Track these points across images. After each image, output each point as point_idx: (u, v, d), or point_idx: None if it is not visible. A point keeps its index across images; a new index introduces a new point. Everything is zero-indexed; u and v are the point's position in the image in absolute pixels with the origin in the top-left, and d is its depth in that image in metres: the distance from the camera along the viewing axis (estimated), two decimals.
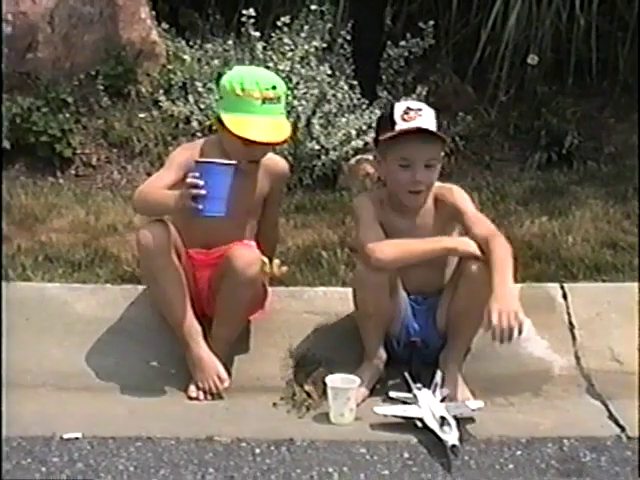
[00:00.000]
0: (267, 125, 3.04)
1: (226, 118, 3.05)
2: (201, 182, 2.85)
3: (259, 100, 3.02)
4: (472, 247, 2.95)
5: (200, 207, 2.87)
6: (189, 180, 2.87)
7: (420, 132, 2.95)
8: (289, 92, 4.29)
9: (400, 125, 2.97)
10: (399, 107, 3.02)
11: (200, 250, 3.16)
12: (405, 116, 2.97)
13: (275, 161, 3.27)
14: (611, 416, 2.95)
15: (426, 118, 2.99)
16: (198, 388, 3.04)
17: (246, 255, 3.05)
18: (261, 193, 3.22)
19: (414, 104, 3.07)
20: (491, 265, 2.87)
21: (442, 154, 3.08)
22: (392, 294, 3.05)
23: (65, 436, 2.76)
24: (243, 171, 3.05)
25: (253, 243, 3.19)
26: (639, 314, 3.28)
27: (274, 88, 3.05)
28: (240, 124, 3.02)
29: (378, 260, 2.94)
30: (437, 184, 3.10)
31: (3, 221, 3.85)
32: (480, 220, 3.01)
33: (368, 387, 3.03)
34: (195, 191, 2.85)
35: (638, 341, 3.21)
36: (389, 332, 3.11)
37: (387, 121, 3.02)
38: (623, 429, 2.87)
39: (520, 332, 2.75)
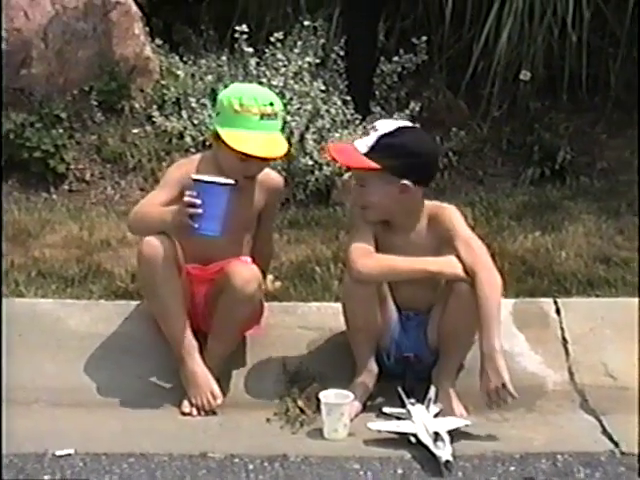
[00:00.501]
0: (265, 140, 3.06)
1: (224, 133, 3.06)
2: (198, 201, 2.88)
3: (257, 116, 3.04)
4: (458, 269, 2.96)
5: (196, 226, 2.88)
6: (186, 199, 2.89)
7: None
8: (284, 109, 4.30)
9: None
10: (374, 122, 3.13)
11: (197, 265, 3.16)
12: (364, 132, 3.07)
13: (270, 176, 3.28)
14: (605, 431, 2.94)
15: (368, 138, 3.03)
16: (191, 404, 3.03)
17: (245, 272, 3.05)
18: (256, 208, 3.23)
19: (381, 124, 3.08)
20: (477, 309, 2.89)
21: (403, 180, 3.00)
22: (381, 307, 3.06)
23: (57, 453, 2.75)
24: (239, 187, 3.06)
25: (249, 259, 3.19)
26: (639, 329, 3.28)
27: (272, 104, 3.08)
28: (238, 139, 3.03)
29: (359, 273, 2.96)
30: (432, 203, 3.11)
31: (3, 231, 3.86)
32: (470, 246, 2.99)
33: (361, 401, 3.03)
34: (192, 210, 2.88)
35: (638, 356, 3.20)
36: (379, 346, 3.11)
37: None
38: (617, 444, 2.86)
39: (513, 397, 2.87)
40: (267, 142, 3.06)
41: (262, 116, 3.05)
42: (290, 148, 4.37)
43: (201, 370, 3.04)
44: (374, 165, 2.99)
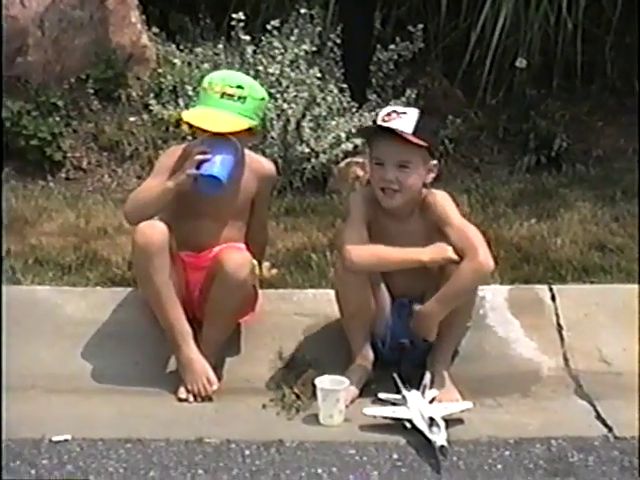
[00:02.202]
0: (212, 116, 3.06)
1: (185, 113, 3.25)
2: (208, 149, 3.01)
3: (218, 94, 3.08)
4: (448, 252, 2.97)
5: (203, 171, 2.99)
6: (197, 149, 3.02)
7: (389, 132, 2.97)
8: (272, 99, 4.30)
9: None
10: (386, 109, 3.07)
11: (190, 253, 3.17)
12: (386, 117, 3.01)
13: (261, 163, 3.30)
14: (599, 416, 2.96)
15: (405, 121, 2.99)
16: (187, 390, 3.04)
17: (237, 258, 3.06)
18: (248, 195, 3.24)
19: (402, 108, 3.10)
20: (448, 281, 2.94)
21: (433, 161, 3.06)
22: (374, 293, 3.07)
23: (54, 438, 2.76)
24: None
25: (243, 245, 3.20)
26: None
27: (239, 87, 3.09)
28: (190, 113, 3.18)
29: (352, 262, 2.97)
30: (426, 189, 3.11)
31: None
32: (462, 231, 3.00)
33: (357, 387, 3.04)
34: (201, 156, 2.98)
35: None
36: (374, 333, 3.12)
37: (373, 123, 3.08)
38: (610, 429, 2.88)
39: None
40: (213, 117, 3.06)
41: (222, 95, 3.07)
42: (287, 136, 4.41)
43: (197, 357, 3.06)
44: (424, 144, 2.99)
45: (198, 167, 3.01)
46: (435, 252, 2.99)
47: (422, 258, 2.99)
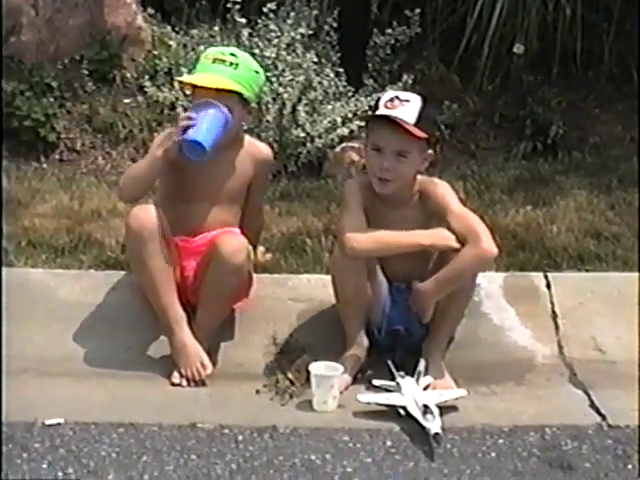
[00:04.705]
0: (207, 77, 3.09)
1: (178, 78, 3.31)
2: (194, 114, 3.01)
3: (210, 60, 3.12)
4: (450, 240, 2.95)
5: (188, 136, 2.99)
6: (183, 114, 3.08)
7: (390, 120, 2.94)
8: (268, 83, 4.28)
9: (380, 111, 2.99)
10: (388, 94, 3.04)
11: (185, 238, 3.15)
12: (388, 104, 2.98)
13: (258, 148, 3.29)
14: (592, 405, 2.96)
15: (408, 109, 2.97)
16: (181, 375, 3.03)
17: (233, 242, 3.05)
18: (244, 179, 3.22)
19: (405, 95, 3.05)
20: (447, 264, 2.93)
21: (429, 150, 3.04)
22: (370, 279, 3.06)
23: (47, 422, 2.75)
24: (222, 156, 3.12)
25: (238, 230, 3.18)
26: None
27: (232, 55, 3.12)
28: (185, 78, 3.19)
29: (353, 249, 2.96)
30: (425, 177, 3.09)
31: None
32: (464, 219, 2.98)
33: (351, 374, 3.03)
34: (186, 122, 2.99)
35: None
36: (370, 319, 3.11)
37: (374, 107, 3.05)
38: (604, 418, 2.88)
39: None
40: (209, 77, 3.08)
41: (214, 60, 3.11)
42: (282, 120, 4.39)
43: (190, 341, 3.04)
44: (424, 135, 2.97)
45: (185, 133, 3.01)
46: (436, 237, 2.98)
47: (423, 242, 2.98)
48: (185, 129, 3.01)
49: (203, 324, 3.10)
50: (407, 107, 2.97)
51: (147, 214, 3.01)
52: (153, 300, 3.07)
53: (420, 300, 3.03)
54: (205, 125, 3.01)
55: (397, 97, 3.00)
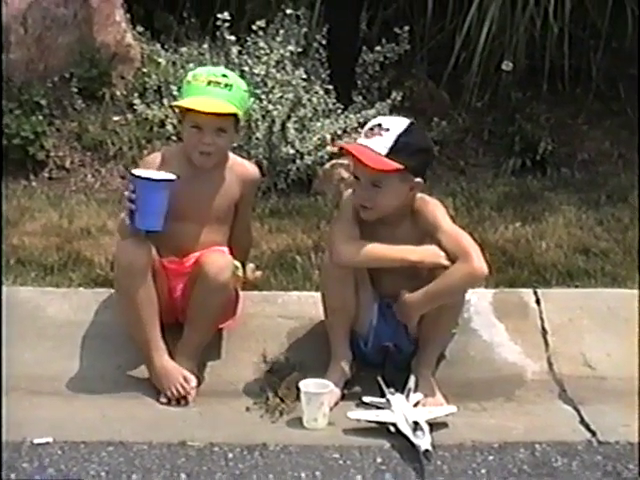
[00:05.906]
0: (206, 101, 3.05)
1: (175, 104, 3.18)
2: (133, 196, 2.94)
3: (204, 83, 3.08)
4: (440, 257, 2.96)
5: (133, 222, 2.94)
6: (125, 194, 2.98)
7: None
8: (257, 100, 4.31)
9: (359, 140, 3.03)
10: (374, 121, 3.04)
11: (173, 259, 3.14)
12: (368, 132, 3.00)
13: (245, 167, 3.29)
14: (582, 421, 2.96)
15: (384, 140, 2.95)
16: (167, 397, 3.01)
17: (218, 260, 3.04)
18: (232, 199, 3.21)
19: (389, 122, 3.01)
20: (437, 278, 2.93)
21: (417, 179, 3.00)
22: (359, 290, 3.07)
23: (36, 441, 2.74)
24: (211, 176, 3.11)
25: (226, 249, 3.18)
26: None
27: (224, 76, 3.11)
28: (183, 103, 3.09)
29: (340, 257, 2.98)
30: (417, 195, 3.09)
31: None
32: (455, 237, 2.98)
33: (339, 387, 3.03)
34: (128, 205, 2.95)
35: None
36: (356, 332, 3.11)
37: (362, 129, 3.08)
38: (594, 434, 2.88)
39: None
40: (208, 102, 3.05)
41: (209, 82, 3.08)
42: (272, 137, 4.39)
43: (169, 364, 3.03)
44: (399, 166, 2.94)
45: (132, 215, 2.96)
46: (425, 254, 2.98)
47: (411, 257, 2.98)
48: (132, 212, 2.95)
49: (190, 342, 3.09)
50: (384, 137, 2.95)
51: (136, 248, 2.99)
52: (135, 332, 3.05)
53: (405, 310, 3.04)
54: (148, 205, 2.93)
55: (379, 125, 2.99)
